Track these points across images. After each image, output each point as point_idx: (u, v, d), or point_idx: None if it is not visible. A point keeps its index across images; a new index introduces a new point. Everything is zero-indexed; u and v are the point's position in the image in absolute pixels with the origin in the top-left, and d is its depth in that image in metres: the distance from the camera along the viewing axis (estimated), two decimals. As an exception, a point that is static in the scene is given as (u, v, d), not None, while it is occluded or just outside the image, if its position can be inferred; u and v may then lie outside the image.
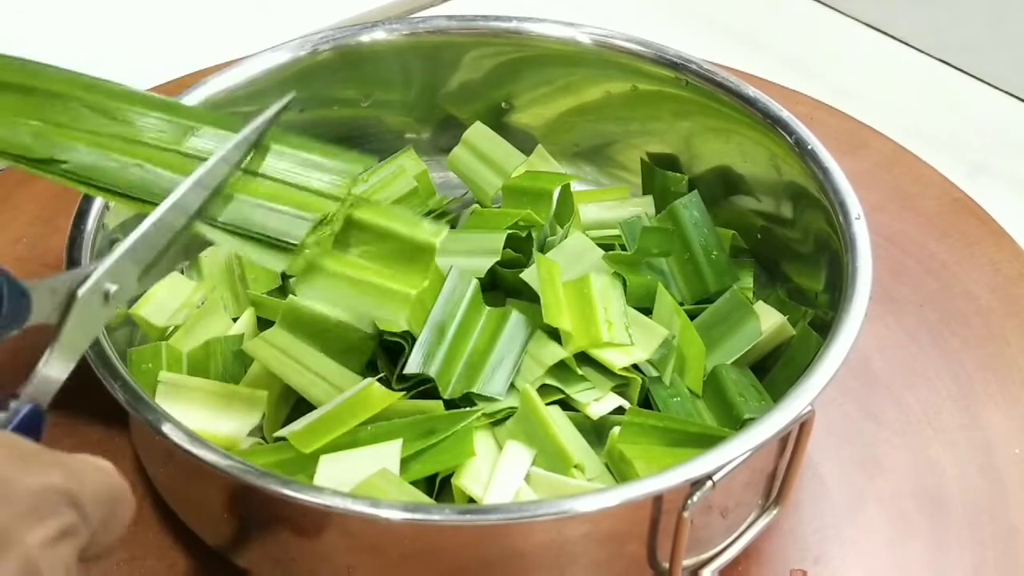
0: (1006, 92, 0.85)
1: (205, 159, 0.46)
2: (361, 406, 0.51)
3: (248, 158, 0.48)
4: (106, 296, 0.42)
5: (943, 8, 0.87)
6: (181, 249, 0.62)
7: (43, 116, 0.48)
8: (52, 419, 0.58)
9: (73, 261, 0.52)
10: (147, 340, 0.58)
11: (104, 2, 0.90)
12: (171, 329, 0.58)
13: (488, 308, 0.56)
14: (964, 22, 0.87)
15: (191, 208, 0.46)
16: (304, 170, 0.48)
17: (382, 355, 0.56)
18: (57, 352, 0.41)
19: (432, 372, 0.53)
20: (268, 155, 0.48)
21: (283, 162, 0.48)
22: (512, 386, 0.54)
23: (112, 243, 0.55)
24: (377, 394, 0.51)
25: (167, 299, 0.58)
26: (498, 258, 0.57)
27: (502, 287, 0.59)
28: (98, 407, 0.58)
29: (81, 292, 0.41)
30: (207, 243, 0.63)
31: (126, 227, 0.56)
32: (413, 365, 0.53)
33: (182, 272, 0.62)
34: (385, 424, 0.51)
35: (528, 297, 0.56)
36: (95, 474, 0.35)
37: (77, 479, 0.34)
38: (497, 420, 0.53)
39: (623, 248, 0.61)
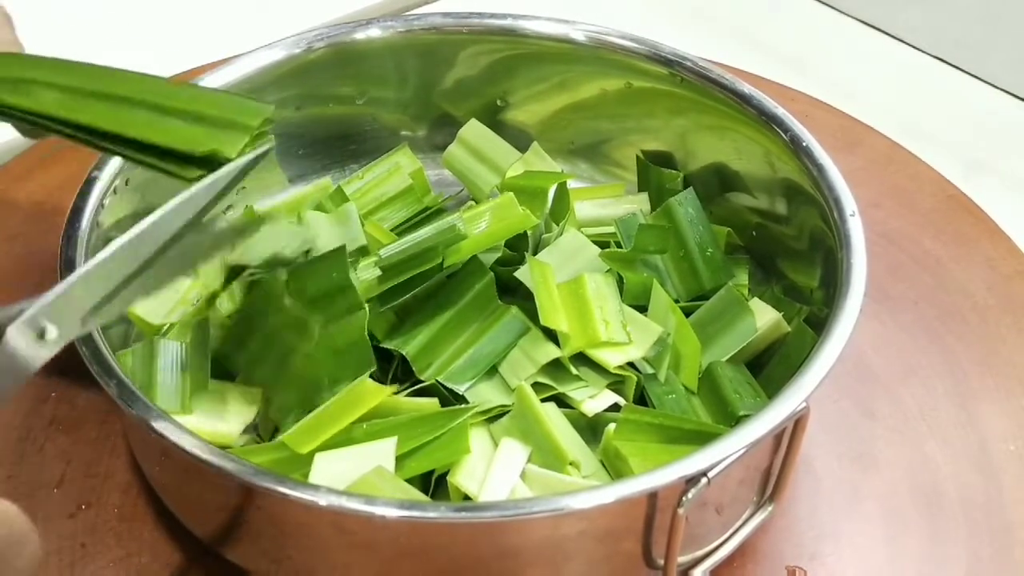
0: (1002, 90, 0.85)
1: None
2: (355, 402, 0.51)
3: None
4: (41, 335, 0.39)
5: (940, 6, 0.87)
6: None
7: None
8: (49, 416, 0.58)
9: (68, 259, 0.52)
10: (142, 338, 0.58)
11: (98, 0, 0.90)
12: (166, 327, 0.58)
13: (498, 304, 0.56)
14: (961, 20, 0.87)
15: (143, 254, 0.43)
16: None
17: (376, 354, 0.56)
18: None
19: (407, 351, 0.54)
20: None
21: None
22: (505, 384, 0.54)
23: (107, 241, 0.56)
24: (370, 389, 0.51)
25: (163, 297, 0.58)
26: (499, 254, 0.57)
27: (498, 284, 0.59)
28: (94, 404, 0.59)
29: (11, 331, 0.38)
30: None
31: (120, 226, 0.56)
32: (392, 340, 0.54)
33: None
34: (380, 422, 0.51)
35: (524, 294, 0.56)
36: None
37: None
38: (492, 417, 0.53)
39: (618, 245, 0.61)
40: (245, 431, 0.53)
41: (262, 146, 0.47)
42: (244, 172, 0.46)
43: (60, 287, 0.40)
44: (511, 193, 0.58)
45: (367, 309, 0.53)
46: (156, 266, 0.43)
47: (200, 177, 0.45)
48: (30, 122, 0.47)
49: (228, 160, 0.45)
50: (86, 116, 0.46)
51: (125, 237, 0.42)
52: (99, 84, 0.47)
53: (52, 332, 0.39)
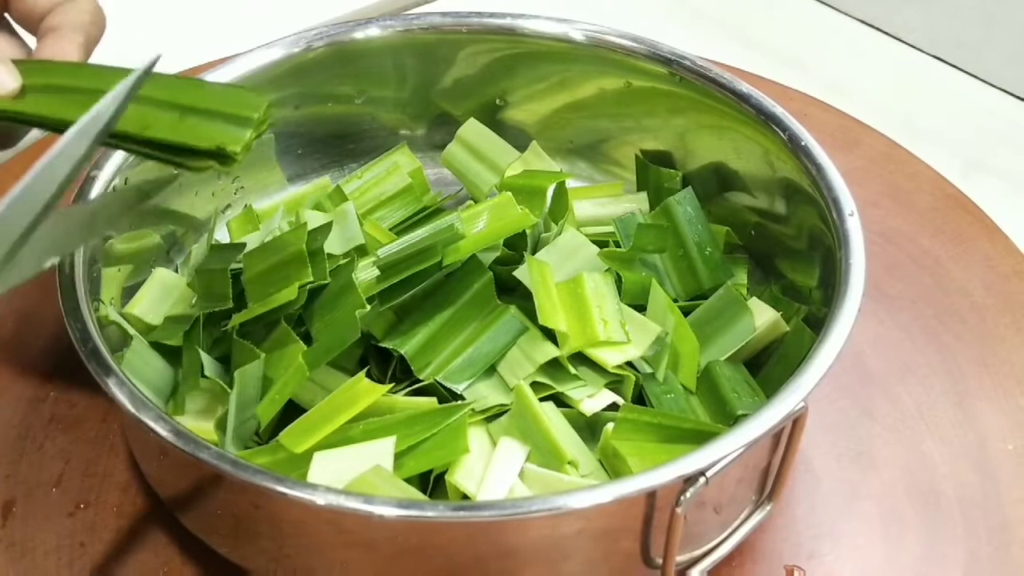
0: (1000, 88, 0.85)
1: None
2: (351, 400, 0.51)
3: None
4: None
5: (938, 4, 0.87)
6: (164, 247, 0.62)
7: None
8: (48, 415, 0.58)
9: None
10: (140, 338, 0.58)
11: (98, -1, 0.90)
12: (162, 327, 0.58)
13: (497, 303, 0.56)
14: (959, 18, 0.87)
15: (41, 199, 0.42)
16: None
17: (375, 355, 0.56)
18: None
19: (405, 350, 0.54)
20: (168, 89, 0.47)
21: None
22: (504, 383, 0.54)
23: (105, 239, 0.56)
24: (365, 387, 0.51)
25: (160, 297, 0.58)
26: (498, 253, 0.58)
27: (497, 283, 0.59)
28: (92, 403, 0.59)
29: None
30: (197, 237, 0.63)
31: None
32: (391, 340, 0.54)
33: (176, 270, 0.62)
34: (378, 420, 0.51)
35: (522, 294, 0.56)
36: None
37: None
38: (491, 416, 0.54)
39: (617, 244, 0.61)
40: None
41: (136, 71, 0.46)
42: (119, 111, 0.45)
43: None
44: (509, 192, 0.58)
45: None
46: (62, 221, 0.43)
47: (207, 168, 0.46)
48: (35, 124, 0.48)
49: (234, 155, 0.46)
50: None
51: (18, 185, 0.41)
52: (102, 83, 0.46)
53: None
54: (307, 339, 0.53)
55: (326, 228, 0.55)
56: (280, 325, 0.53)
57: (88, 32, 0.51)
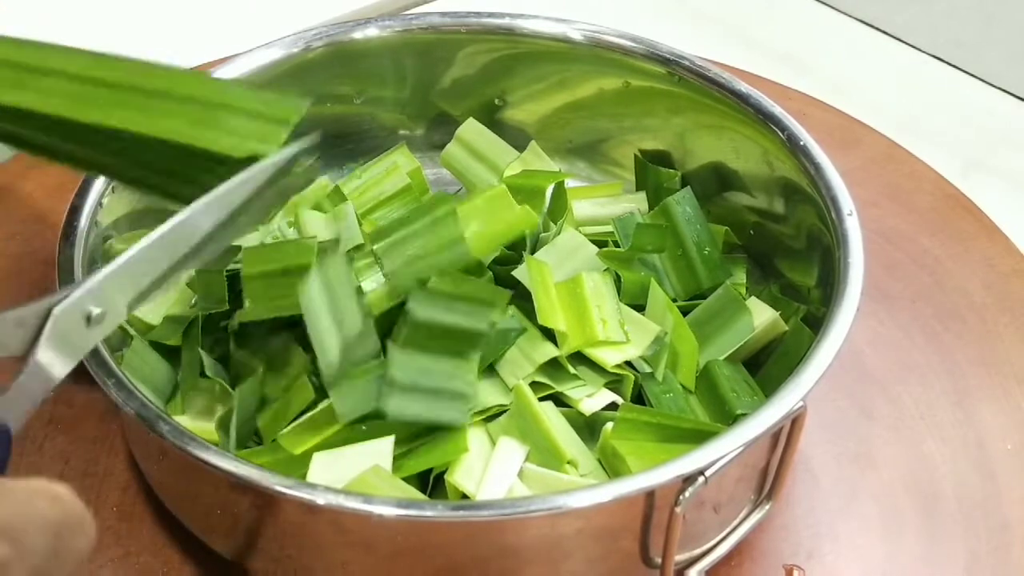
0: (1000, 88, 0.85)
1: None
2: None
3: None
4: (88, 319, 0.39)
5: (937, 4, 0.87)
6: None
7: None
8: (47, 415, 0.58)
9: (66, 257, 0.52)
10: (139, 337, 0.58)
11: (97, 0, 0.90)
12: (162, 326, 0.58)
13: None
14: (958, 18, 0.87)
15: (200, 232, 0.42)
16: None
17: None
18: (27, 378, 0.37)
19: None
20: None
21: None
22: (503, 383, 0.54)
23: (105, 240, 0.56)
24: None
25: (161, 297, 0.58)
26: (497, 253, 0.57)
27: (496, 283, 0.59)
28: (92, 403, 0.59)
29: (57, 311, 0.38)
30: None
31: (118, 225, 0.56)
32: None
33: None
34: (377, 420, 0.51)
35: (522, 293, 0.56)
36: (42, 503, 0.32)
37: (17, 509, 0.31)
38: (490, 416, 0.54)
39: (616, 244, 0.61)
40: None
41: (306, 139, 0.45)
42: (287, 167, 0.44)
43: (107, 270, 0.39)
44: (503, 186, 0.58)
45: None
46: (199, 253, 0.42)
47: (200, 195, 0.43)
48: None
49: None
50: (92, 113, 0.43)
51: (168, 224, 0.41)
52: (103, 72, 0.43)
53: (99, 315, 0.39)
54: (307, 340, 0.53)
55: (334, 244, 0.55)
56: (282, 334, 0.53)
57: None
